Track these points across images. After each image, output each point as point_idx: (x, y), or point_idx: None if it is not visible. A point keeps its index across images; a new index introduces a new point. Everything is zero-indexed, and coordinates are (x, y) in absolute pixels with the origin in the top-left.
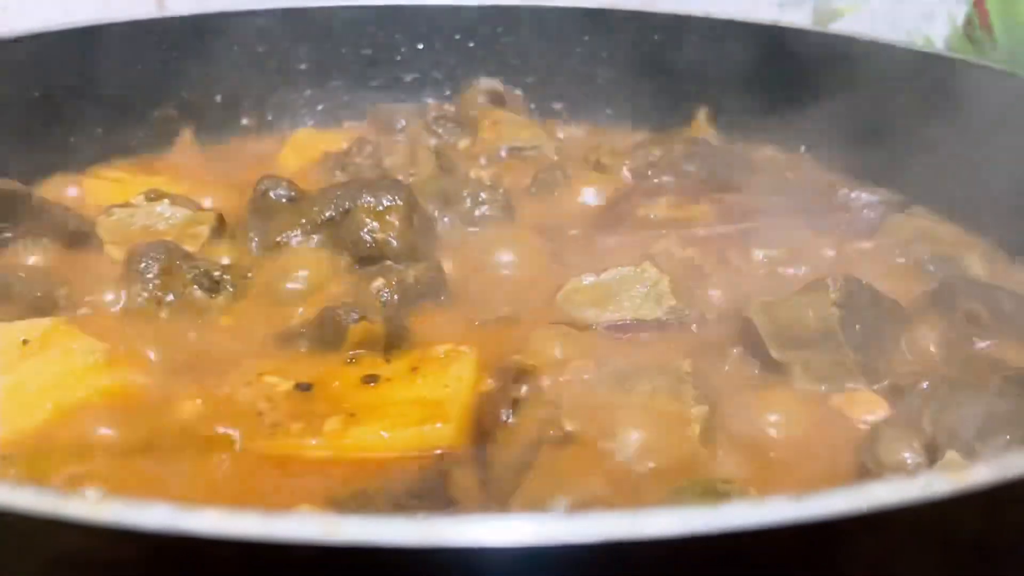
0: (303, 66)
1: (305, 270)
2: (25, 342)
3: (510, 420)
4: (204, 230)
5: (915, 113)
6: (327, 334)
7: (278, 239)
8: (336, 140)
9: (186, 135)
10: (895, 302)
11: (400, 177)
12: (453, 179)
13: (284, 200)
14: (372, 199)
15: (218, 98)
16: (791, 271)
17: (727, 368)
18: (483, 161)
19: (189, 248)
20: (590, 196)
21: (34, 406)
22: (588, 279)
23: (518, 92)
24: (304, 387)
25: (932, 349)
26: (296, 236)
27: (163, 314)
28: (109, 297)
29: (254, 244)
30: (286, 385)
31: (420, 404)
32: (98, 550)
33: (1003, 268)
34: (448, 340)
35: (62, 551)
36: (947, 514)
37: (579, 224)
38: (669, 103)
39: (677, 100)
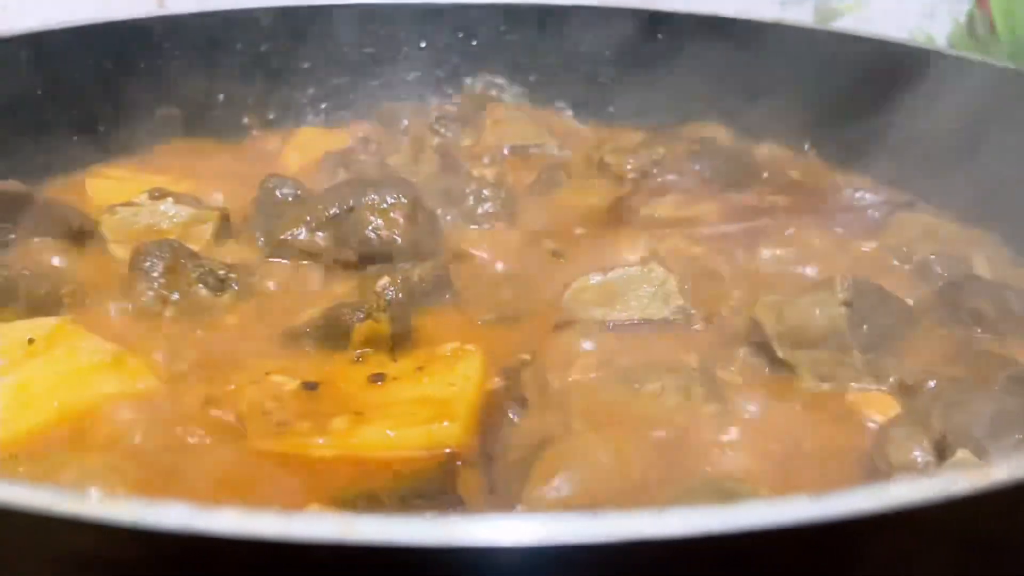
0: (306, 64)
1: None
2: (31, 341)
3: (517, 419)
4: (208, 229)
5: (919, 111)
6: (333, 333)
7: (283, 237)
8: (339, 139)
9: (189, 134)
10: (902, 301)
11: (404, 176)
12: (456, 177)
13: (289, 199)
14: (377, 197)
15: (220, 96)
16: (797, 270)
17: (734, 368)
18: (486, 160)
19: (193, 247)
20: (594, 194)
21: (40, 405)
22: (595, 278)
23: (522, 90)
24: (310, 386)
25: (939, 348)
26: (301, 234)
27: (168, 313)
28: (114, 296)
29: (259, 243)
30: (292, 384)
31: (427, 403)
32: (114, 550)
33: (1008, 266)
34: (454, 339)
35: (78, 551)
36: (966, 513)
37: (583, 223)
38: (672, 101)
39: (680, 98)
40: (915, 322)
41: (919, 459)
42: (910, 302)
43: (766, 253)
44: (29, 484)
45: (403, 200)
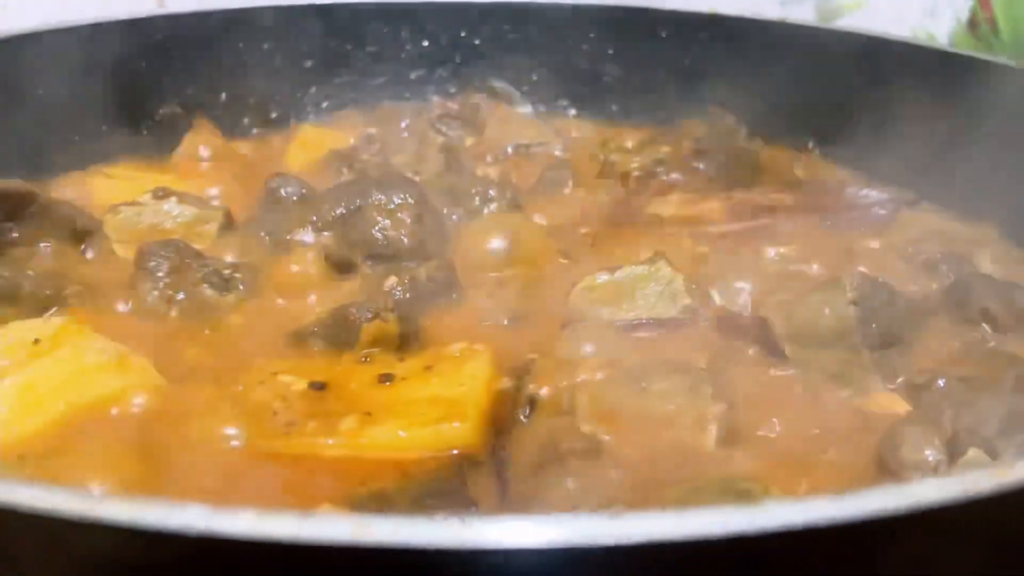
0: (308, 63)
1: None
2: (36, 341)
3: (526, 419)
4: (212, 228)
5: (922, 110)
6: (341, 333)
7: (289, 237)
8: (342, 138)
9: (191, 132)
10: (910, 300)
11: (408, 175)
12: (461, 177)
13: (294, 198)
14: (383, 196)
15: (223, 95)
16: (802, 268)
17: (743, 367)
18: (489, 159)
19: (197, 246)
20: (599, 194)
21: (47, 406)
22: (602, 277)
23: (525, 89)
24: (318, 386)
25: (947, 347)
26: (307, 234)
27: (173, 313)
28: (119, 296)
29: (264, 242)
30: (300, 384)
31: (436, 403)
32: (131, 552)
33: (1014, 265)
34: (461, 338)
35: (95, 554)
36: (988, 513)
37: (588, 222)
38: (675, 100)
39: (683, 97)
40: (923, 321)
41: (931, 458)
42: (916, 300)
43: (771, 251)
44: (46, 487)
45: (409, 200)
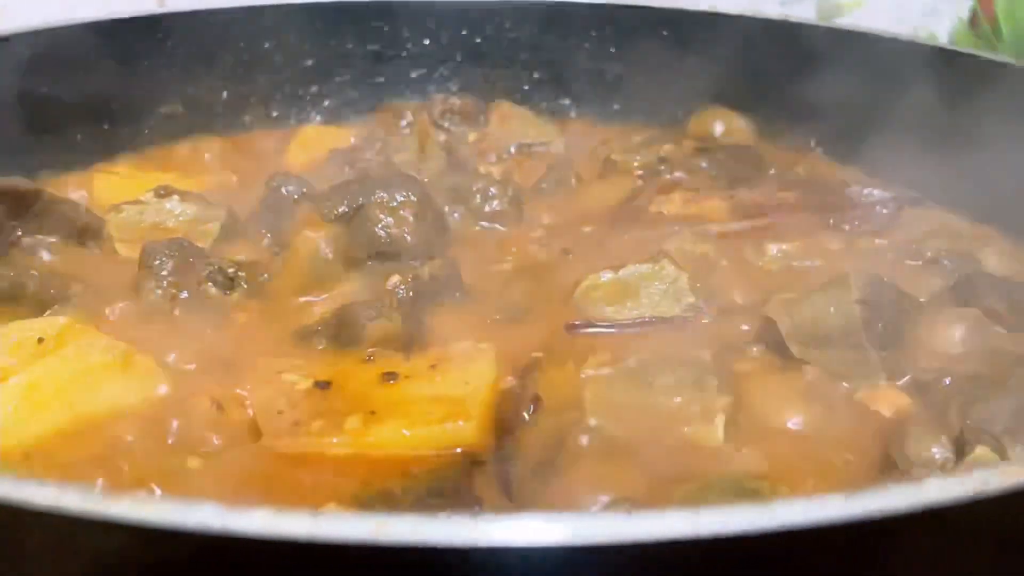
0: (309, 62)
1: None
2: (40, 340)
3: (532, 418)
4: (215, 226)
5: (924, 108)
6: (345, 332)
7: (291, 235)
8: (343, 136)
9: (192, 131)
10: (915, 298)
11: (410, 173)
12: (463, 175)
13: (296, 196)
14: (386, 195)
15: (224, 94)
16: (806, 267)
17: (747, 365)
18: (492, 157)
19: (200, 245)
20: (602, 192)
21: (52, 405)
22: (605, 276)
23: (527, 87)
24: (323, 385)
25: (953, 345)
26: (309, 232)
27: (177, 311)
28: (123, 295)
29: (267, 241)
30: (305, 383)
31: (441, 402)
32: (145, 551)
33: (1018, 263)
34: (465, 337)
35: (109, 552)
36: (999, 511)
37: (591, 220)
38: (677, 99)
39: (685, 95)
40: (928, 319)
41: (938, 456)
42: (922, 299)
43: (775, 250)
44: (59, 485)
45: (412, 198)
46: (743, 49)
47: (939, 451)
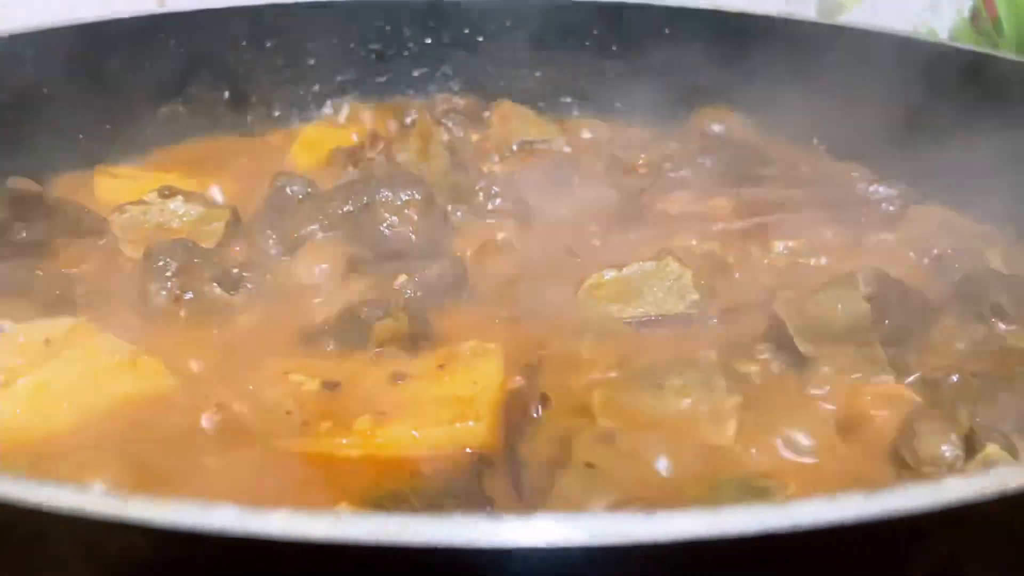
0: (311, 61)
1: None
2: (47, 342)
3: (540, 418)
4: (219, 227)
5: (926, 105)
6: (352, 332)
7: (297, 235)
8: (346, 136)
9: (194, 131)
10: (922, 296)
11: (414, 172)
12: (466, 174)
13: (300, 196)
14: (390, 194)
15: (226, 94)
16: (812, 264)
17: (754, 363)
18: (495, 156)
19: (204, 245)
20: (606, 190)
21: (61, 406)
22: (609, 274)
23: (529, 86)
24: (331, 386)
25: (960, 342)
26: (315, 232)
27: (182, 312)
28: (127, 296)
29: (271, 241)
30: (313, 384)
31: (450, 402)
32: (163, 553)
33: (1023, 261)
34: (471, 336)
35: (126, 554)
36: (1019, 510)
37: (595, 219)
38: (679, 97)
39: (687, 94)
40: (935, 316)
41: (948, 454)
42: (930, 296)
43: (780, 247)
44: (77, 488)
45: (417, 197)
46: (745, 47)
47: (949, 449)
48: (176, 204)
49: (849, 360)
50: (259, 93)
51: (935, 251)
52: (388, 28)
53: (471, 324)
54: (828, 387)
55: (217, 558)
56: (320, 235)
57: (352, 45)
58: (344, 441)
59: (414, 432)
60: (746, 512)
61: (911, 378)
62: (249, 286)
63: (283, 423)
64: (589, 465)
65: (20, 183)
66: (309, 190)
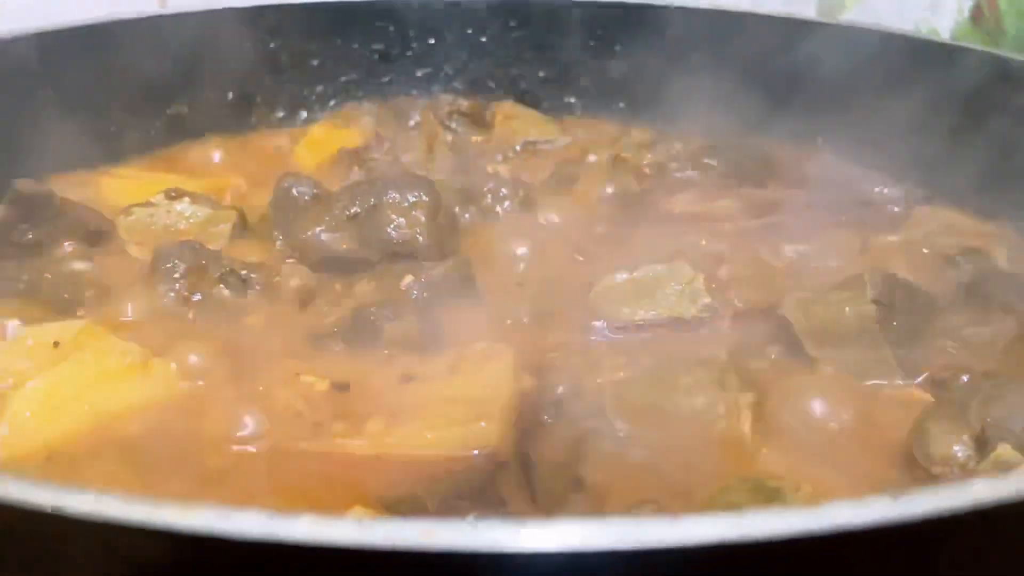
0: (314, 62)
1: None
2: (56, 344)
3: (552, 419)
4: (226, 228)
5: (929, 105)
6: (361, 333)
7: (304, 236)
8: (350, 136)
9: (198, 132)
10: (930, 296)
11: (420, 173)
12: (472, 175)
13: (307, 197)
14: (398, 195)
15: (230, 95)
16: (820, 265)
17: (764, 365)
18: (499, 157)
19: (212, 247)
20: (611, 191)
21: (72, 409)
22: (621, 276)
23: (532, 86)
24: (342, 387)
25: (969, 343)
26: (322, 233)
27: (191, 314)
28: (136, 298)
29: (278, 242)
30: (323, 385)
31: (461, 403)
32: (188, 559)
33: None
34: (481, 338)
35: (151, 561)
36: None
37: (602, 219)
38: (682, 97)
39: (690, 93)
40: (943, 317)
41: (960, 454)
42: (938, 297)
43: (788, 248)
44: (100, 493)
45: (424, 198)
46: (747, 46)
47: (961, 449)
48: (183, 206)
49: (858, 361)
50: (263, 94)
51: (941, 251)
52: (391, 28)
53: (480, 325)
54: (837, 388)
55: (243, 564)
56: (326, 237)
57: (355, 45)
58: (356, 442)
59: (426, 433)
60: (773, 516)
61: (920, 379)
62: (257, 288)
63: (295, 424)
64: (600, 466)
65: (27, 185)
66: (315, 191)
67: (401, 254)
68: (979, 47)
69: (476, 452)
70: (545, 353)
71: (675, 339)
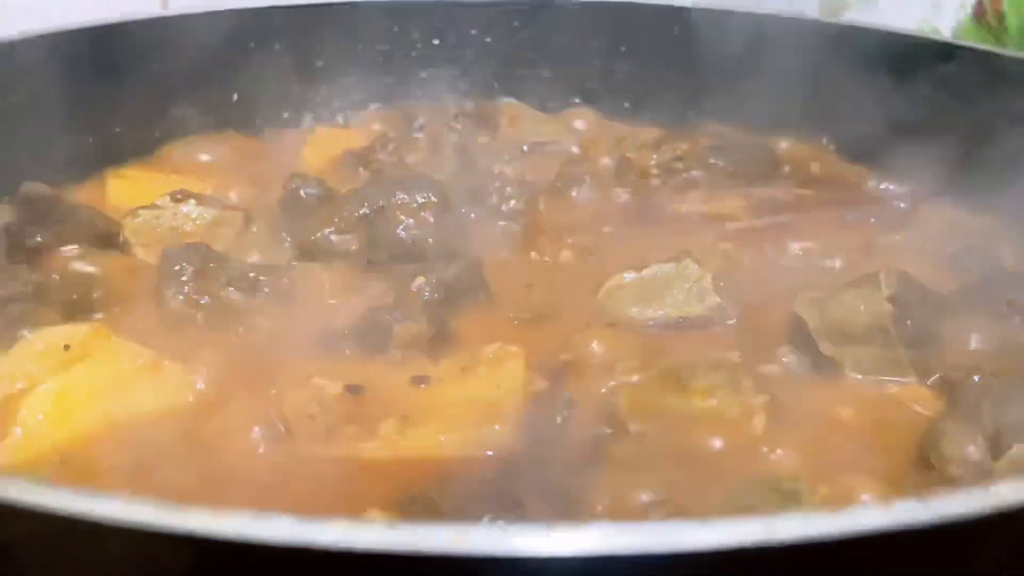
0: (319, 63)
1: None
2: (67, 347)
3: (565, 421)
4: (232, 230)
5: (932, 104)
6: (373, 335)
7: (313, 238)
8: (356, 137)
9: (204, 133)
10: (941, 296)
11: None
12: (479, 176)
13: (314, 198)
14: (407, 196)
15: (235, 96)
16: (828, 264)
17: (776, 364)
18: (505, 157)
19: (218, 248)
20: (618, 191)
21: (83, 412)
22: (629, 276)
23: (536, 86)
24: (355, 389)
25: (980, 343)
26: (331, 235)
27: (200, 317)
28: (144, 300)
29: (286, 244)
30: (336, 388)
31: (474, 405)
32: (215, 564)
33: None
34: (491, 339)
35: (179, 567)
36: None
37: (609, 219)
38: (687, 96)
39: (695, 93)
40: (954, 316)
41: (973, 454)
42: (947, 296)
43: (796, 247)
44: (127, 499)
45: (433, 199)
46: (752, 46)
47: (975, 450)
48: (188, 208)
49: (871, 361)
50: (267, 95)
51: (948, 250)
52: (396, 29)
53: (490, 326)
54: (851, 387)
55: (271, 570)
56: (335, 238)
57: (360, 46)
58: (370, 445)
59: (440, 436)
60: (799, 519)
61: (932, 379)
62: (266, 290)
63: (308, 427)
64: (614, 467)
65: (33, 188)
66: (322, 192)
67: (410, 255)
68: (981, 46)
69: (490, 454)
70: (555, 353)
71: (688, 339)
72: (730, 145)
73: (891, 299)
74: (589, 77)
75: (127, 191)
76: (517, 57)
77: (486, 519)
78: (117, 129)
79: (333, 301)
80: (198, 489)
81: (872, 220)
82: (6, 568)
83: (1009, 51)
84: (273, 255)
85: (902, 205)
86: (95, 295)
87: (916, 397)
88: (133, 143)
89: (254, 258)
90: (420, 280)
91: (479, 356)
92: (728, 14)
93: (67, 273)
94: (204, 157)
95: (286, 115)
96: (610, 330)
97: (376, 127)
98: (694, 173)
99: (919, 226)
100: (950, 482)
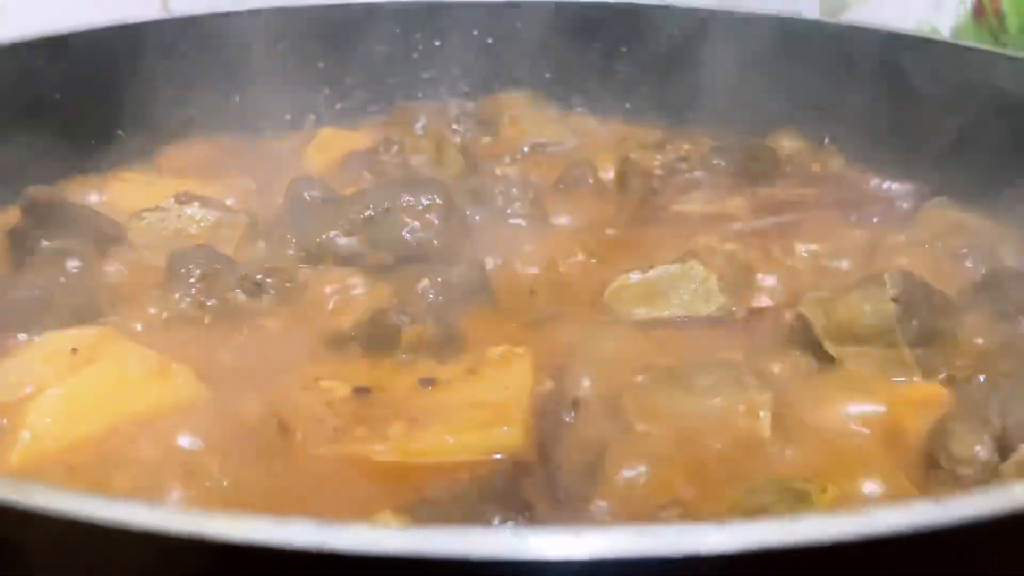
0: (320, 64)
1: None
2: (74, 351)
3: (572, 422)
4: (237, 232)
5: (932, 103)
6: (380, 337)
7: (318, 240)
8: (359, 139)
9: (206, 136)
10: (946, 295)
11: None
12: (483, 177)
13: (319, 201)
14: (411, 198)
15: (237, 98)
16: (832, 264)
17: (782, 364)
18: (507, 159)
19: (223, 250)
20: (621, 192)
21: (92, 416)
22: (635, 277)
23: (538, 87)
24: (362, 391)
25: (985, 342)
26: (336, 237)
27: (207, 319)
28: (151, 303)
29: (291, 246)
30: (344, 389)
31: (482, 407)
32: (236, 569)
33: None
34: (497, 341)
35: (198, 571)
36: None
37: (613, 220)
38: (687, 97)
39: (697, 94)
40: (959, 316)
41: (981, 454)
42: (952, 296)
43: (800, 247)
44: (145, 504)
45: (437, 201)
46: (752, 45)
47: (982, 450)
48: (193, 210)
49: (877, 360)
50: (270, 97)
51: (951, 249)
52: (397, 30)
53: (495, 328)
54: (857, 387)
55: (290, 573)
56: (341, 240)
57: (361, 48)
58: (379, 447)
59: (448, 438)
60: (815, 521)
61: (938, 378)
62: (272, 292)
63: (316, 430)
64: (623, 469)
65: (38, 192)
66: (327, 194)
67: (415, 257)
68: (981, 45)
69: (499, 456)
70: (562, 355)
71: (694, 340)
72: (732, 145)
73: (896, 299)
74: (590, 78)
75: (131, 194)
76: (519, 58)
77: (496, 521)
78: (120, 132)
79: (339, 303)
80: (210, 493)
81: (875, 220)
82: (21, 573)
83: (1009, 50)
84: (276, 258)
85: (904, 205)
86: (101, 298)
87: (923, 397)
88: (136, 146)
89: (260, 260)
90: (425, 282)
91: (486, 358)
92: (728, 14)
93: (73, 276)
94: (207, 159)
95: (288, 117)
96: (616, 330)
97: (379, 129)
98: (696, 173)
99: (921, 226)
100: (958, 482)
